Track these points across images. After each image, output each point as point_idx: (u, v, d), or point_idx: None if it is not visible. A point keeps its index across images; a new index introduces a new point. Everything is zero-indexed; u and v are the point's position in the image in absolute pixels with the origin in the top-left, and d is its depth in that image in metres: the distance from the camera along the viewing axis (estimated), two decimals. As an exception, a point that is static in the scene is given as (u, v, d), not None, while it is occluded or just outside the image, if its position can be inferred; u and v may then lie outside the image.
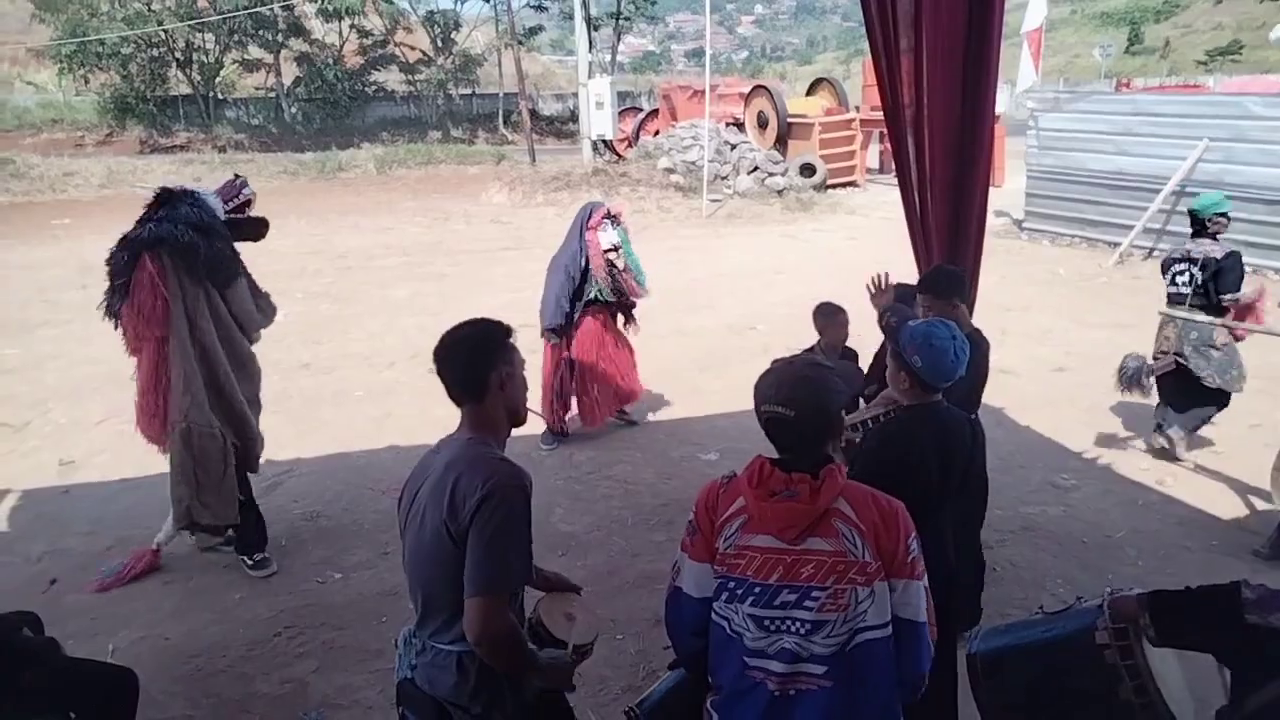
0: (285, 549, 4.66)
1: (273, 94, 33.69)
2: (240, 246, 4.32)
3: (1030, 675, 2.39)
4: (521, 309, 7.50)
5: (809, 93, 21.83)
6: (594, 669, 3.48)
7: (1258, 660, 2.04)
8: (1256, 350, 5.67)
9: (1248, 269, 10.17)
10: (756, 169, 17.62)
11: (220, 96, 32.20)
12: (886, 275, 3.99)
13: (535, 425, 5.70)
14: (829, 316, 4.43)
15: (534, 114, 30.52)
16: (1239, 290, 5.18)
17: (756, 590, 1.91)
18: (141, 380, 4.17)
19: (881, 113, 4.05)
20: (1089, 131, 12.06)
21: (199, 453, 4.15)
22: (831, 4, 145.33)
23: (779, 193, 17.11)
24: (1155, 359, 5.48)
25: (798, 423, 1.93)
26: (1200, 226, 5.38)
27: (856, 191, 18.62)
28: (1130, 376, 5.44)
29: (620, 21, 37.08)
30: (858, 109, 20.15)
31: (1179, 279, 5.38)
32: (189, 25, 28.89)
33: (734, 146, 18.04)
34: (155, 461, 5.58)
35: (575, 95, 25.14)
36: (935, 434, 2.59)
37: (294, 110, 33.54)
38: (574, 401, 6.03)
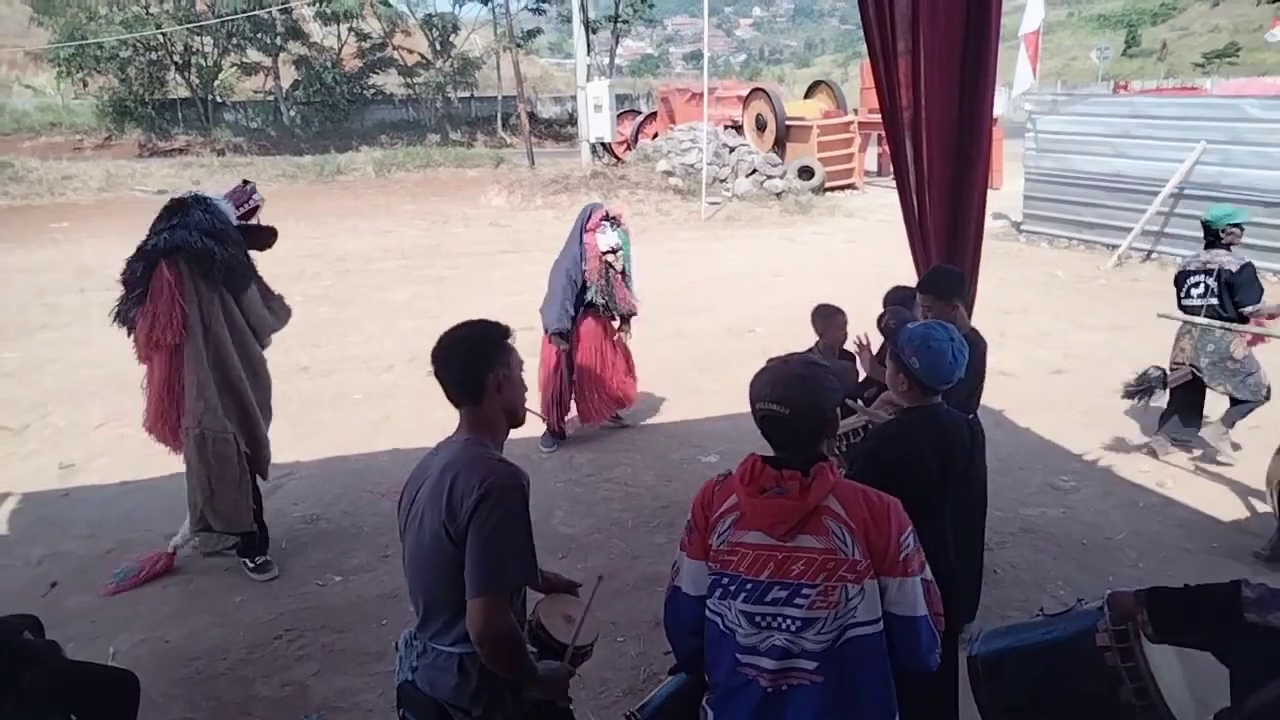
0: (285, 552, 4.66)
1: (271, 97, 33.71)
2: None
3: (1031, 677, 2.39)
4: (520, 311, 7.50)
5: (807, 95, 21.86)
6: (595, 671, 3.48)
7: (1257, 660, 2.04)
8: (1256, 352, 5.67)
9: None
10: (755, 172, 17.65)
11: (219, 100, 32.19)
12: (866, 335, 4.00)
13: (534, 426, 5.71)
14: (827, 318, 4.44)
15: (532, 117, 30.56)
16: (1259, 302, 5.15)
17: (748, 587, 1.93)
18: (155, 386, 4.15)
19: (879, 115, 4.06)
20: (1087, 134, 12.08)
21: (214, 459, 4.17)
22: (829, 7, 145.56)
23: (777, 195, 17.13)
24: (1171, 369, 5.46)
25: (792, 421, 1.95)
26: (1214, 237, 5.34)
27: (855, 194, 18.65)
28: (1145, 386, 5.42)
29: (618, 24, 37.13)
30: (856, 111, 20.19)
31: (1194, 290, 5.33)
32: (187, 29, 28.89)
33: (732, 149, 18.06)
34: (155, 464, 5.61)
35: (574, 98, 25.20)
36: (934, 435, 2.60)
37: (292, 113, 33.56)
38: (572, 403, 6.03)
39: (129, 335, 4.14)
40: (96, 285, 10.88)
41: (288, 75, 33.55)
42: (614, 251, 5.70)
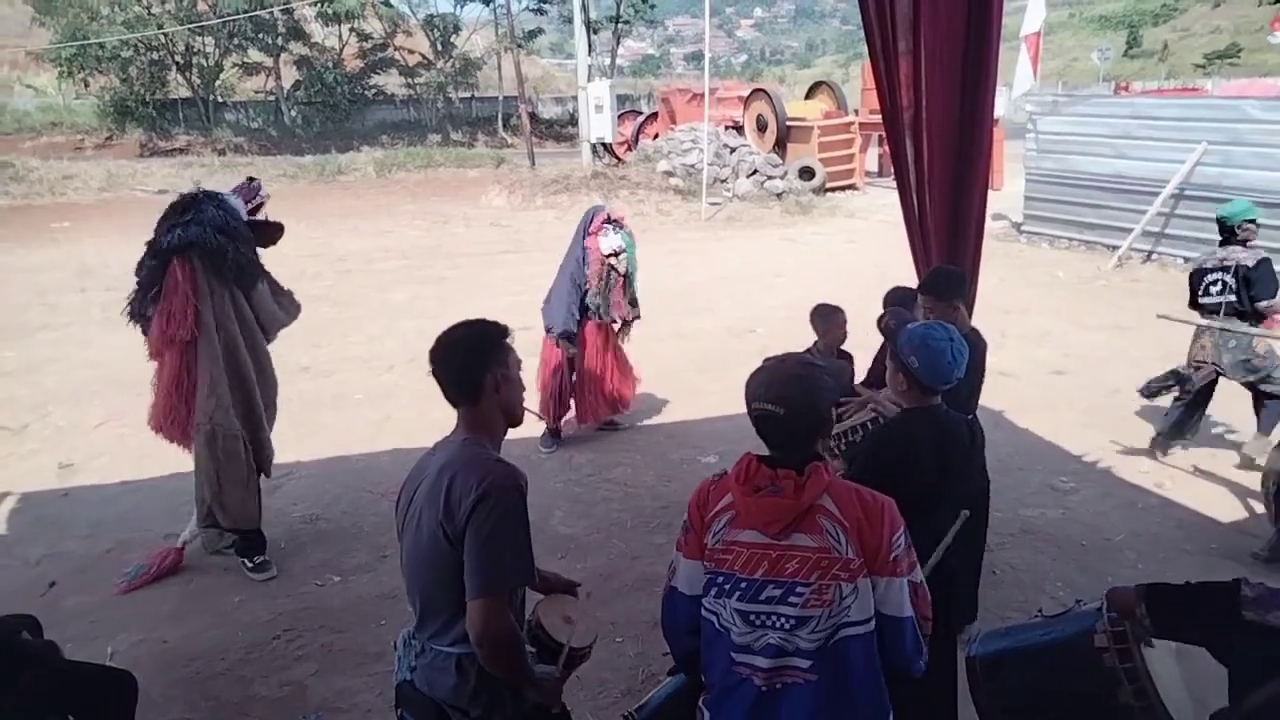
0: (284, 552, 4.65)
1: (272, 97, 33.70)
2: None
3: (1029, 678, 2.39)
4: (521, 311, 7.49)
5: (808, 96, 21.87)
6: (593, 672, 3.48)
7: (1255, 658, 2.04)
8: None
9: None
10: (755, 172, 17.64)
11: (220, 100, 32.17)
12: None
13: (534, 427, 5.72)
14: (826, 317, 4.43)
15: (533, 117, 30.54)
16: (1275, 297, 5.12)
17: (743, 585, 1.94)
18: (165, 382, 4.15)
19: (880, 116, 4.05)
20: (1087, 135, 12.08)
21: (223, 455, 4.19)
22: (830, 7, 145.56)
23: (778, 196, 17.13)
24: (1193, 367, 5.43)
25: (787, 420, 1.96)
26: (1229, 234, 5.32)
27: (855, 194, 18.66)
28: (1168, 384, 5.40)
29: (619, 25, 37.08)
30: (856, 112, 20.19)
31: (1213, 288, 5.30)
32: (189, 29, 28.87)
33: (733, 150, 18.06)
34: (154, 464, 5.62)
35: (574, 98, 25.20)
36: (933, 436, 2.60)
37: (293, 113, 33.55)
38: (571, 402, 6.03)
39: (144, 333, 4.14)
40: (97, 285, 10.90)
41: (289, 75, 33.55)
42: (616, 255, 5.69)
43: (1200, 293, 5.39)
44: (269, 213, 4.56)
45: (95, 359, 8.01)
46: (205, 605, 4.19)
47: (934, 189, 3.79)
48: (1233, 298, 5.19)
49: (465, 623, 2.01)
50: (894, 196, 4.25)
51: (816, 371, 2.04)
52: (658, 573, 4.06)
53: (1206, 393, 5.49)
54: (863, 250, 12.64)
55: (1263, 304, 5.13)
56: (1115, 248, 11.52)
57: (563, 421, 6.09)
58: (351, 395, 7.09)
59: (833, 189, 18.29)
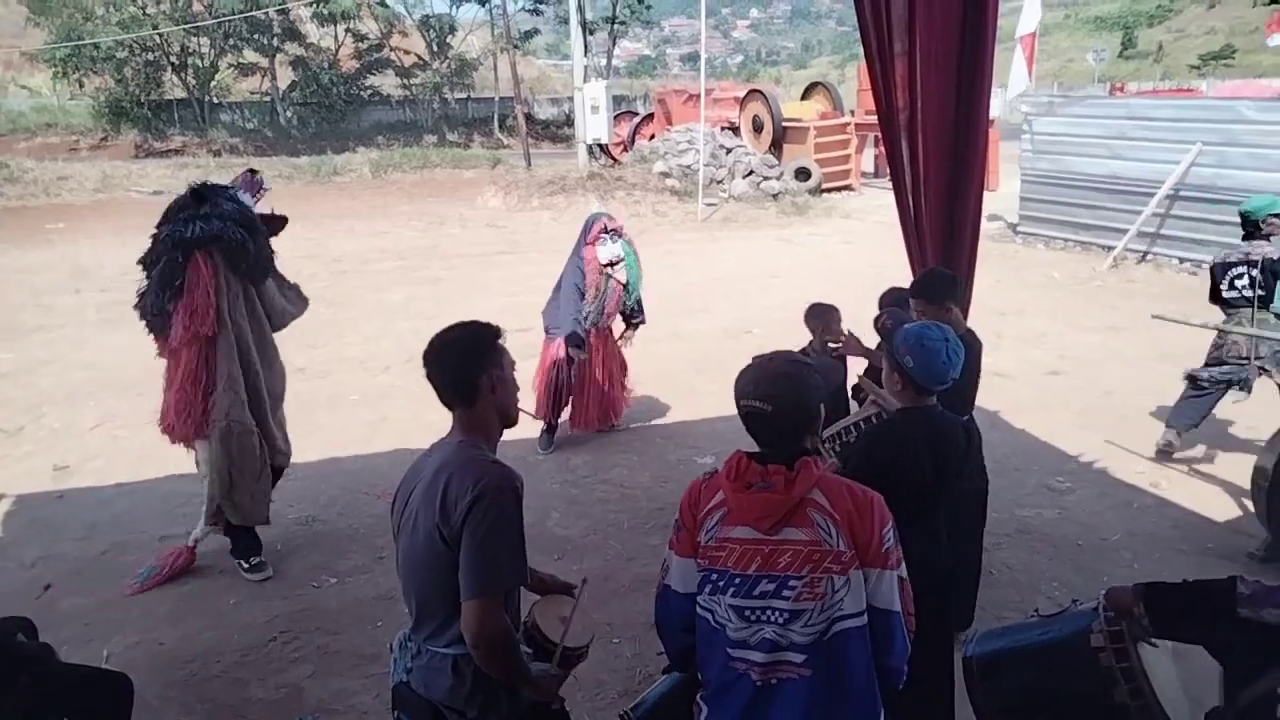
0: (280, 553, 4.64)
1: (268, 98, 33.67)
2: None
3: (1026, 678, 2.39)
4: (517, 312, 7.48)
5: (804, 97, 21.91)
6: (590, 673, 3.48)
7: (1250, 655, 2.05)
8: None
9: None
10: (751, 173, 17.66)
11: (215, 100, 32.12)
12: (850, 332, 4.01)
13: (530, 428, 5.71)
14: (820, 316, 4.44)
15: (529, 118, 30.57)
16: None
17: (737, 581, 1.95)
18: (181, 379, 4.11)
19: (876, 117, 4.06)
20: (1083, 135, 12.10)
21: (237, 452, 4.19)
22: (826, 8, 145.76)
23: (774, 197, 17.14)
24: (1219, 364, 5.37)
25: (775, 418, 1.98)
26: (1254, 228, 5.29)
27: (851, 195, 18.68)
28: (1226, 380, 5.33)
29: (615, 25, 37.11)
30: (852, 113, 20.22)
31: (1238, 282, 5.24)
32: (184, 29, 28.83)
33: (729, 150, 18.07)
34: (149, 466, 5.61)
35: (571, 99, 25.19)
36: (929, 436, 2.61)
37: (289, 114, 33.52)
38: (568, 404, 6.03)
39: (153, 331, 4.10)
40: (92, 286, 10.88)
41: (284, 76, 33.52)
42: (613, 264, 5.70)
43: (1224, 287, 5.32)
44: (274, 205, 4.56)
45: (90, 360, 7.99)
46: (201, 607, 4.18)
47: (929, 190, 3.80)
48: (1261, 292, 5.13)
49: (460, 624, 2.02)
50: (890, 197, 4.25)
51: (804, 369, 2.07)
52: (654, 574, 4.04)
53: (1226, 388, 5.46)
54: (858, 251, 12.65)
55: None
56: (1110, 248, 11.54)
57: (559, 418, 6.06)
58: (347, 396, 7.08)
59: (828, 190, 18.32)
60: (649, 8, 39.14)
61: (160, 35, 28.79)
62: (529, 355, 6.02)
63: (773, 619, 1.92)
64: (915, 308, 3.55)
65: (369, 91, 35.09)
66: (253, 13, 29.62)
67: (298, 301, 4.57)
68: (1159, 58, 62.45)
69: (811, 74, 58.58)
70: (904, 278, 3.99)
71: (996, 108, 14.17)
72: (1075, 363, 7.59)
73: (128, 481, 5.53)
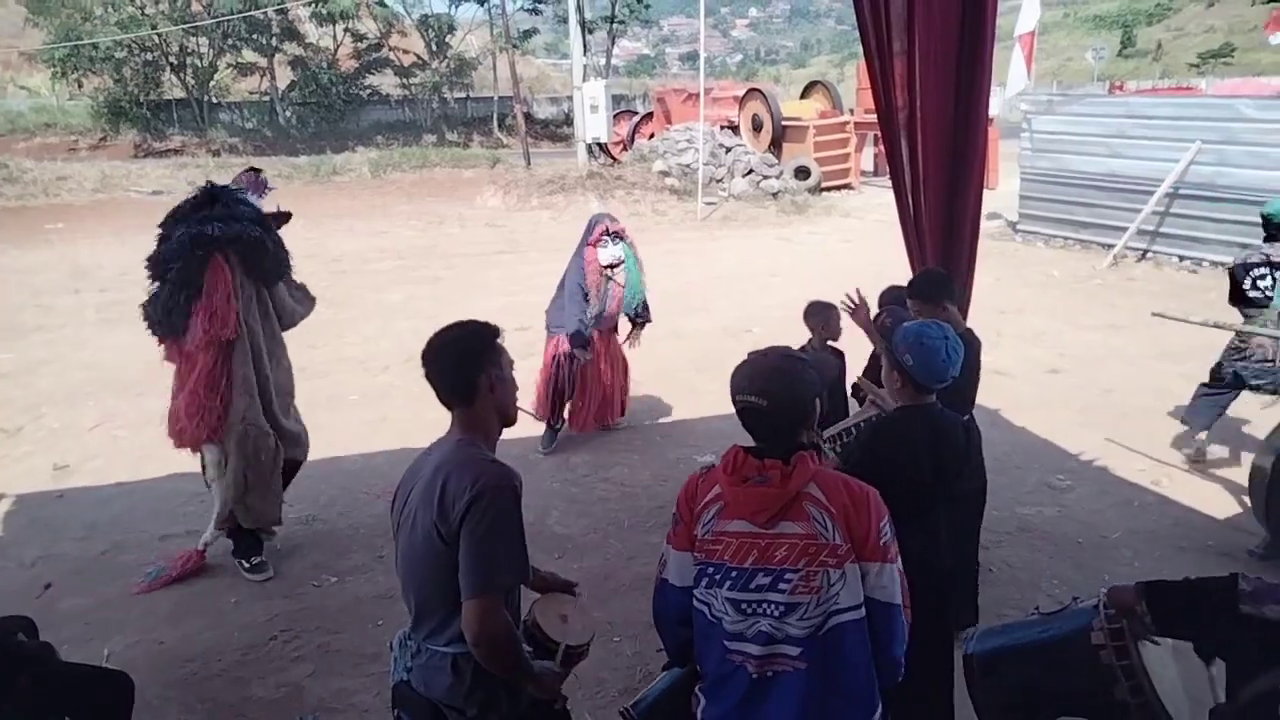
0: (280, 553, 4.64)
1: (267, 98, 33.67)
2: None
3: (1026, 675, 2.39)
4: (516, 312, 7.49)
5: (803, 96, 21.91)
6: (591, 671, 3.48)
7: (1252, 651, 2.05)
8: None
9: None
10: (751, 172, 17.66)
11: (214, 100, 32.11)
12: (858, 290, 3.98)
13: (530, 427, 5.71)
14: (819, 314, 4.43)
15: (529, 117, 30.57)
16: None
17: (733, 574, 1.96)
18: (195, 382, 4.06)
19: (875, 115, 4.06)
20: (1082, 134, 12.10)
21: (253, 454, 4.19)
22: (826, 7, 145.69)
23: (774, 195, 17.14)
24: (1238, 364, 5.34)
25: (771, 413, 2.00)
26: (1276, 230, 5.29)
27: (851, 194, 18.68)
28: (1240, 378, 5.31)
29: (615, 25, 37.10)
30: (852, 112, 20.23)
31: (1260, 283, 5.23)
32: (183, 29, 28.82)
33: (729, 149, 18.07)
34: (149, 465, 5.61)
35: (570, 99, 25.19)
36: (928, 435, 2.61)
37: (288, 114, 33.51)
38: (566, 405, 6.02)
39: (164, 335, 4.04)
40: (91, 286, 10.88)
41: (283, 76, 33.52)
42: (614, 266, 5.69)
43: (1247, 288, 5.30)
44: (279, 204, 4.57)
45: (90, 360, 7.99)
46: (202, 606, 4.18)
47: (929, 188, 3.80)
48: None
49: (460, 622, 2.02)
50: (889, 196, 4.25)
51: (799, 364, 2.08)
52: (654, 572, 4.07)
53: (1242, 387, 5.44)
54: (858, 250, 12.65)
55: None
56: (1110, 247, 11.54)
57: (560, 416, 6.05)
58: (347, 396, 7.08)
59: (828, 188, 18.32)
60: (648, 7, 39.13)
61: (159, 35, 28.78)
62: (528, 354, 6.02)
63: (769, 612, 1.94)
64: (912, 308, 3.56)
65: (368, 91, 35.09)
66: (251, 13, 29.60)
67: (305, 301, 4.57)
68: (1158, 56, 62.43)
69: (811, 73, 58.56)
70: (904, 276, 3.99)
71: (995, 106, 14.18)
72: (1075, 361, 7.59)
73: (127, 481, 5.53)
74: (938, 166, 3.75)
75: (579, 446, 6.05)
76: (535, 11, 37.95)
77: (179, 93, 31.24)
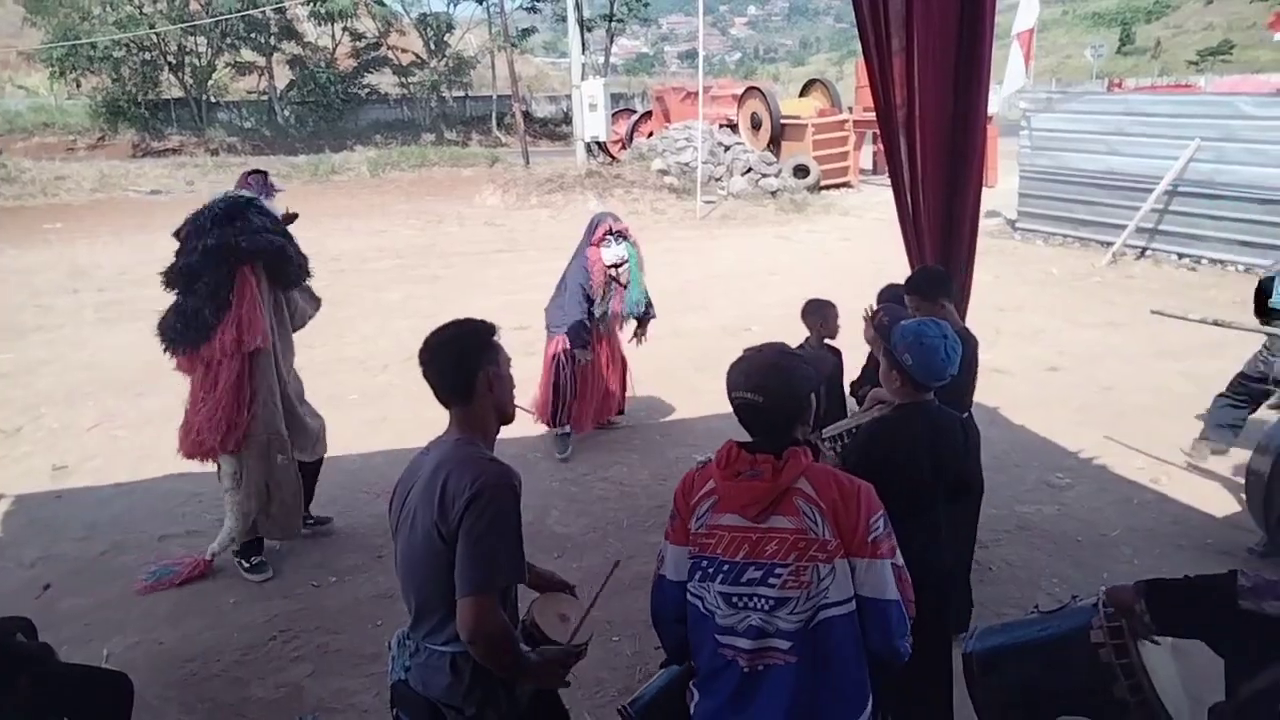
0: (280, 553, 4.64)
1: (265, 97, 33.66)
2: None
3: (1026, 674, 2.39)
4: (515, 310, 7.48)
5: (802, 94, 21.88)
6: (590, 671, 3.48)
7: (1251, 647, 2.05)
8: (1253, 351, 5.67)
9: (1240, 268, 10.26)
10: (750, 170, 17.65)
11: (213, 100, 32.11)
12: (872, 306, 4.00)
13: (530, 427, 5.71)
14: (817, 313, 4.43)
15: (527, 116, 30.55)
16: None
17: (725, 568, 1.98)
18: (222, 394, 4.05)
19: (874, 114, 4.06)
20: (1081, 131, 12.09)
21: (278, 464, 4.21)
22: (824, 5, 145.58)
23: (773, 194, 17.14)
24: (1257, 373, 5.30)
25: (766, 409, 2.02)
26: None
27: (850, 192, 18.67)
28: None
29: (613, 23, 37.10)
30: (850, 110, 20.20)
31: None
32: (181, 28, 28.81)
33: (728, 148, 18.06)
34: (148, 466, 5.61)
35: (569, 97, 25.16)
36: (926, 433, 2.61)
37: (287, 113, 33.51)
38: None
39: (185, 348, 4.01)
40: (89, 286, 10.88)
41: (282, 75, 33.51)
42: (617, 266, 5.68)
43: (1276, 298, 5.13)
44: (287, 205, 4.59)
45: (89, 360, 7.99)
46: (201, 607, 4.17)
47: (928, 186, 3.80)
48: None
49: (457, 621, 2.02)
50: (888, 194, 4.25)
51: (794, 360, 2.09)
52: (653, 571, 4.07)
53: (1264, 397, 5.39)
54: (857, 248, 12.65)
55: None
56: (1109, 244, 11.54)
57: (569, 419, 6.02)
58: (346, 396, 7.07)
59: (827, 187, 18.31)
60: (646, 5, 39.11)
61: (157, 35, 28.77)
62: (527, 353, 6.02)
63: (759, 606, 1.95)
64: (910, 305, 3.56)
65: (366, 90, 35.08)
66: (249, 12, 29.60)
67: (312, 301, 4.61)
68: (1157, 53, 62.41)
69: (809, 71, 58.53)
70: (903, 274, 3.98)
71: (994, 104, 14.17)
72: (1074, 359, 7.59)
73: (127, 481, 5.52)
74: (936, 165, 3.75)
75: (578, 446, 6.03)
76: (534, 10, 37.93)
77: (177, 92, 31.23)
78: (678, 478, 2.20)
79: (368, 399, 6.99)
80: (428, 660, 2.13)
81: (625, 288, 5.79)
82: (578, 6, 20.74)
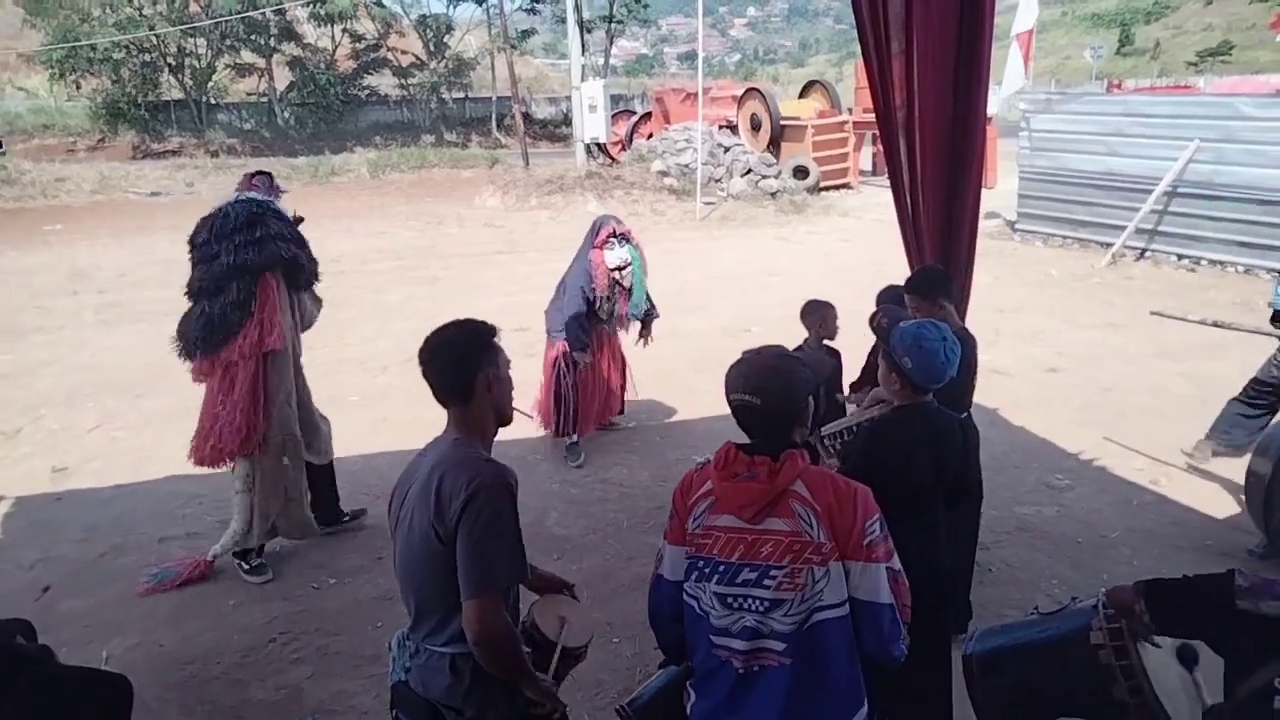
0: (280, 554, 4.64)
1: (265, 99, 33.67)
2: None
3: (1025, 675, 2.39)
4: (515, 312, 7.48)
5: (802, 95, 21.90)
6: (590, 672, 3.48)
7: (1248, 647, 2.05)
8: (1253, 352, 5.68)
9: (1239, 269, 10.26)
10: (750, 171, 17.65)
11: (212, 101, 32.14)
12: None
13: (529, 428, 5.71)
14: (816, 313, 4.43)
15: (527, 117, 30.57)
16: None
17: (720, 569, 1.98)
18: (238, 396, 4.10)
19: (874, 115, 4.06)
20: (1080, 133, 12.10)
21: (292, 465, 4.28)
22: (824, 7, 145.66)
23: (772, 195, 17.14)
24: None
25: (764, 411, 2.02)
26: None
27: (850, 193, 18.68)
28: None
29: (613, 24, 37.11)
30: (850, 111, 20.22)
31: None
32: (181, 30, 28.83)
33: (727, 149, 18.06)
34: (149, 467, 5.61)
35: (568, 98, 25.18)
36: (926, 434, 2.61)
37: (286, 115, 33.52)
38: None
39: (204, 354, 4.05)
40: (89, 288, 10.87)
41: (282, 77, 33.53)
42: (620, 269, 5.67)
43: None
44: (295, 209, 4.62)
45: (89, 362, 7.99)
46: (201, 609, 4.17)
47: (927, 187, 3.80)
48: None
49: (460, 622, 2.02)
50: (888, 195, 4.25)
51: (793, 363, 2.10)
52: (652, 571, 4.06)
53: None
54: (857, 249, 12.66)
55: None
56: (1109, 245, 11.54)
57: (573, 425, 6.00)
58: (347, 397, 7.07)
59: (827, 188, 18.32)
60: (646, 6, 39.12)
61: (157, 36, 28.78)
62: (526, 354, 6.02)
63: (754, 607, 1.95)
64: (910, 305, 3.56)
65: (366, 92, 35.09)
66: (249, 13, 29.62)
67: (316, 303, 4.66)
68: (1156, 54, 62.47)
69: (809, 72, 58.60)
70: (902, 275, 3.98)
71: (994, 105, 14.18)
72: (1074, 360, 7.59)
73: (126, 483, 5.52)
74: (936, 166, 3.75)
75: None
76: (533, 11, 37.97)
77: (177, 94, 31.25)
78: (677, 479, 2.20)
79: (368, 400, 7.00)
80: (427, 661, 2.13)
81: (628, 291, 5.77)
82: (577, 8, 20.75)
